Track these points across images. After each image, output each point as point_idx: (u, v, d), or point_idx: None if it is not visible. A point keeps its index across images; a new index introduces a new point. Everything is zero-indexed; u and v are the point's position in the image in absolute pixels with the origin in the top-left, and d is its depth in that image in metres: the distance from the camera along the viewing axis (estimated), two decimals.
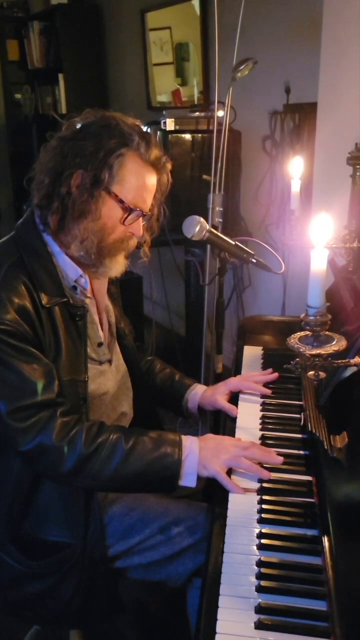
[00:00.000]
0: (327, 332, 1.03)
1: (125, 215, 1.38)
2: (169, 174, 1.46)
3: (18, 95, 5.73)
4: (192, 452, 1.31)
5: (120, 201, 1.37)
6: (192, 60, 3.91)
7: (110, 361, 1.53)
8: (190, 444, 1.32)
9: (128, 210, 1.38)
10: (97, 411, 1.47)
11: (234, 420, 1.54)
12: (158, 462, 1.29)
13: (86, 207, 1.35)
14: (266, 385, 1.65)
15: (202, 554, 1.24)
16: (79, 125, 1.40)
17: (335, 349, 1.02)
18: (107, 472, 1.29)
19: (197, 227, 1.76)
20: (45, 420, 1.28)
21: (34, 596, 1.44)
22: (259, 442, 1.43)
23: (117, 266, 1.46)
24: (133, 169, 1.36)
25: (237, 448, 1.32)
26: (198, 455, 1.31)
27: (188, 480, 1.30)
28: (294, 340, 1.04)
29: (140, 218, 1.42)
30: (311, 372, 1.05)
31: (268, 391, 1.63)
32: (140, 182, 1.38)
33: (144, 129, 1.42)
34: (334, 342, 1.02)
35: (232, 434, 1.47)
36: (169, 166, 1.45)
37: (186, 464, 1.30)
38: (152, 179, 1.41)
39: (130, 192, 1.37)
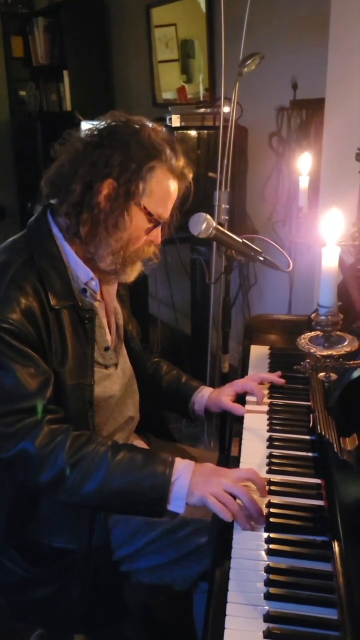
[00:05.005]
0: (338, 333, 1.00)
1: (152, 227, 1.38)
2: (191, 183, 1.44)
3: (22, 92, 5.70)
4: (183, 476, 1.23)
5: (149, 214, 1.36)
6: (197, 57, 3.89)
7: (116, 365, 1.50)
8: (183, 467, 1.25)
9: (155, 222, 1.38)
10: (103, 415, 1.44)
11: (240, 422, 1.51)
12: (145, 480, 1.23)
13: (119, 220, 1.34)
14: (273, 387, 1.63)
15: (208, 557, 1.21)
16: (102, 126, 1.36)
17: (348, 349, 0.98)
18: (89, 487, 1.23)
19: (203, 224, 1.74)
20: (31, 427, 1.24)
21: (38, 601, 1.42)
22: (266, 443, 1.40)
23: (135, 272, 1.45)
24: (162, 181, 1.36)
25: (229, 481, 1.20)
26: (189, 480, 1.22)
27: (176, 505, 1.22)
28: (304, 340, 1.01)
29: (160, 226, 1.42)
30: (322, 374, 1.02)
31: (269, 394, 1.61)
32: (166, 192, 1.38)
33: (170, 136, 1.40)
34: (345, 343, 0.99)
35: (239, 435, 1.45)
36: (191, 175, 1.43)
37: (175, 488, 1.22)
38: (175, 188, 1.40)
39: (156, 203, 1.37)
